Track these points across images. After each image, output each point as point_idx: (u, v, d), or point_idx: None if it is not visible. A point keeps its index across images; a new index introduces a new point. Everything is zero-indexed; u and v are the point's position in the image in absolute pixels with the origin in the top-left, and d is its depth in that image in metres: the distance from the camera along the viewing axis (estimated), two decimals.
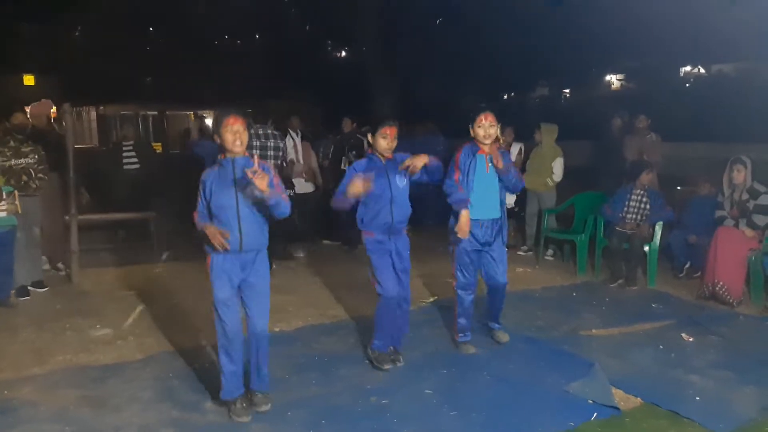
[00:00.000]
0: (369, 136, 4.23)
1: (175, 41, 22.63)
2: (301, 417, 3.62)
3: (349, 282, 6.22)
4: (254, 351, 3.67)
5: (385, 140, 4.13)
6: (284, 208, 3.56)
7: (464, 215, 4.35)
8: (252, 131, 6.53)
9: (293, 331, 5.04)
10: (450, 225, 4.52)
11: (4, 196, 5.44)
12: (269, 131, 6.71)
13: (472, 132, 4.45)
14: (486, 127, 4.39)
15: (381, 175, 4.13)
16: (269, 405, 3.69)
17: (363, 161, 4.26)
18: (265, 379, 3.72)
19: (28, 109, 6.81)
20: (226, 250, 3.49)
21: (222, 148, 3.57)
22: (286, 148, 7.28)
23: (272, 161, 6.57)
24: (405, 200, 4.23)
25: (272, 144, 6.68)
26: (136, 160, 8.18)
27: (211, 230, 3.47)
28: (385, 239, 4.18)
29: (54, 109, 7.30)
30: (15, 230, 5.65)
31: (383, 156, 4.17)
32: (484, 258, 4.57)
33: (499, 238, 4.54)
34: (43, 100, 6.85)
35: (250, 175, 3.34)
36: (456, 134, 5.51)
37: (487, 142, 4.41)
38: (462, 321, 4.64)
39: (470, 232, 4.41)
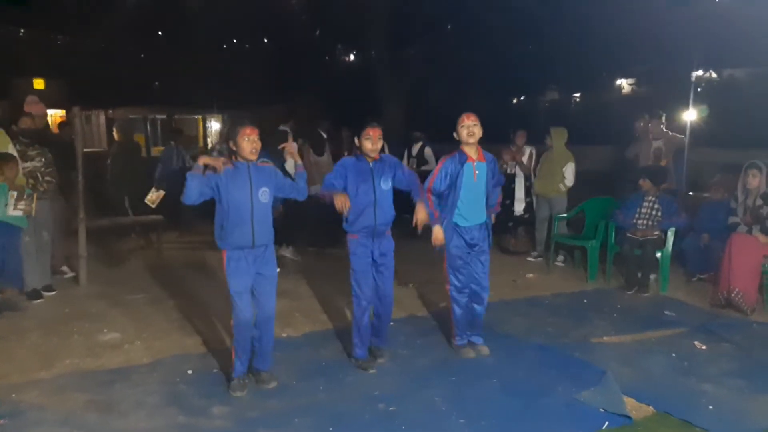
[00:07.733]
0: (356, 139, 4.32)
1: (183, 45, 22.70)
2: (308, 423, 3.59)
3: None
4: (264, 333, 4.01)
5: (368, 141, 4.21)
6: (304, 191, 4.15)
7: (436, 230, 4.45)
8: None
9: (300, 337, 5.02)
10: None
11: (25, 196, 5.50)
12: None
13: (456, 135, 4.46)
14: (469, 126, 4.38)
15: (366, 178, 4.24)
16: (276, 382, 4.07)
17: (351, 159, 4.36)
18: (269, 358, 4.11)
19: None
20: (223, 169, 3.81)
21: (233, 153, 3.89)
22: None
23: None
24: (389, 203, 4.32)
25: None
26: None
27: (203, 159, 3.83)
28: (368, 242, 4.28)
29: (63, 112, 7.31)
30: (21, 231, 5.69)
31: (369, 157, 4.25)
32: (472, 260, 4.58)
33: (485, 242, 4.58)
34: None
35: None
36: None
37: (471, 141, 4.40)
38: (459, 324, 4.64)
39: (459, 237, 4.49)
